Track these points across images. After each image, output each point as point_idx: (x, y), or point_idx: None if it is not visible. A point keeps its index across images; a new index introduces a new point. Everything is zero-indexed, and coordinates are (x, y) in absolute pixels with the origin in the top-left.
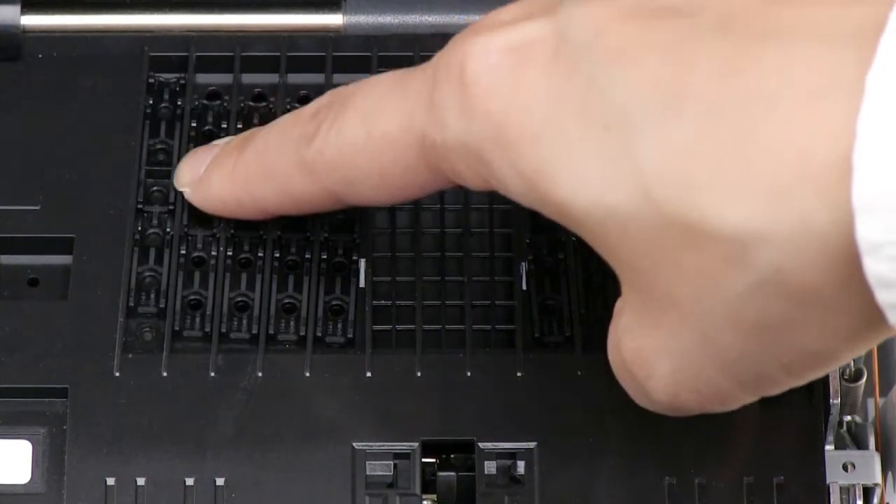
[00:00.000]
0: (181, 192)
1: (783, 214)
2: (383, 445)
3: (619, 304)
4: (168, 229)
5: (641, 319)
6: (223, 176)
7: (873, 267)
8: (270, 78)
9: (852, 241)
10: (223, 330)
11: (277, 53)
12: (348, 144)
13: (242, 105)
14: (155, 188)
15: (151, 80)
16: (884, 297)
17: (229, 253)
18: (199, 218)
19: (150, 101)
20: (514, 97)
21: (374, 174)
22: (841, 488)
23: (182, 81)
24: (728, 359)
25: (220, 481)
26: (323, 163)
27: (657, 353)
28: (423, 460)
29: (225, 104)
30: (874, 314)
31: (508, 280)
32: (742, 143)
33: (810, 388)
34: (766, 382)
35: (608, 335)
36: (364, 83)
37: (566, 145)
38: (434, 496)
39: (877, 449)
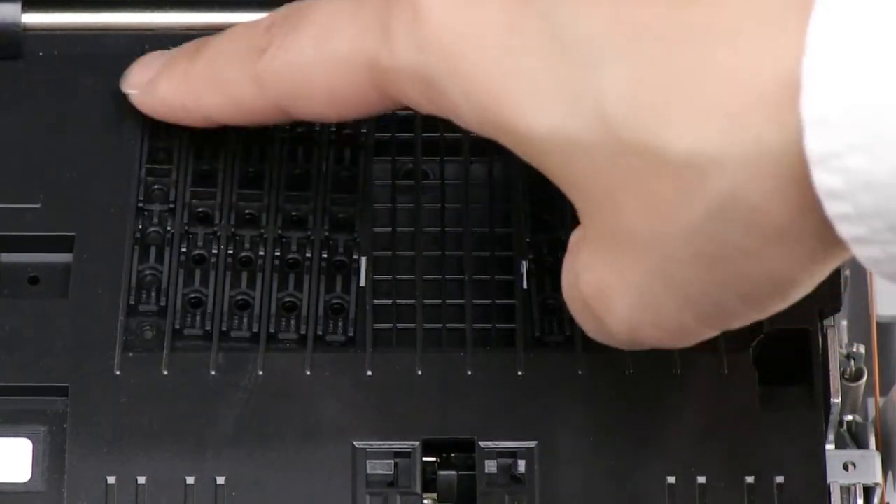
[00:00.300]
0: (181, 192)
1: (736, 138)
2: (384, 444)
3: (575, 236)
4: (168, 227)
5: (600, 254)
6: (171, 80)
7: (823, 179)
8: None
9: (803, 158)
10: (224, 328)
11: None
12: (298, 60)
13: None
14: (155, 186)
15: None
16: (834, 209)
17: (230, 251)
18: (200, 216)
19: None
20: (469, 29)
21: (323, 91)
22: (841, 488)
23: None
24: (688, 292)
25: (220, 480)
26: (272, 75)
27: (616, 288)
28: (424, 459)
29: None
30: (829, 236)
31: (509, 279)
32: (696, 71)
33: (811, 387)
34: (726, 315)
35: (563, 271)
36: (320, 0)
37: (524, 76)
38: (434, 495)
39: (877, 448)
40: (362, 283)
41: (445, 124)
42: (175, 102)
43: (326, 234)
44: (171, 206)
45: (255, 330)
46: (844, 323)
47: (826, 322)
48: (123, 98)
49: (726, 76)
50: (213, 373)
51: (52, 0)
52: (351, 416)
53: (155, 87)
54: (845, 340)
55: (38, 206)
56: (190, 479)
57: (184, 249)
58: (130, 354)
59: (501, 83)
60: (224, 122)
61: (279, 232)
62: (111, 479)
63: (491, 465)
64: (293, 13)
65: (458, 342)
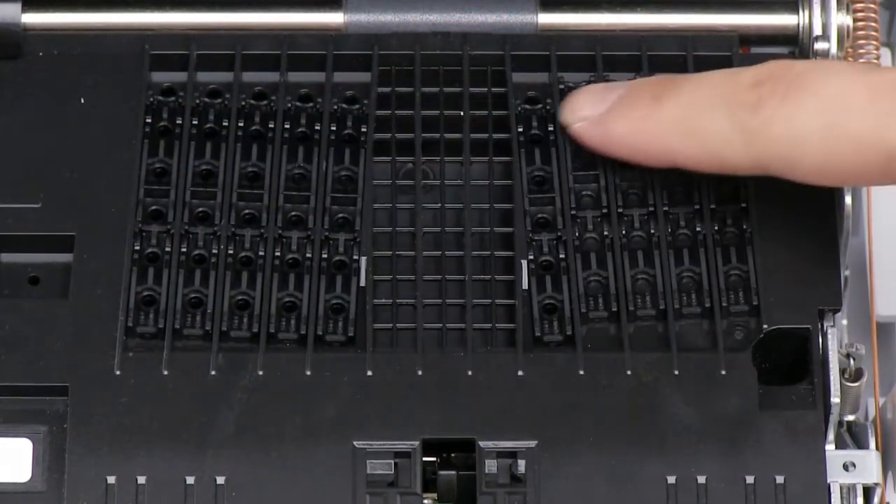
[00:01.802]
0: (181, 191)
1: None
2: (384, 444)
3: None
4: (169, 227)
5: None
6: (634, 121)
7: None
8: (271, 76)
9: None
10: (224, 328)
11: (278, 52)
12: (801, 129)
13: (243, 103)
14: (156, 186)
15: (152, 79)
16: None
17: (230, 251)
18: (200, 216)
19: (151, 100)
20: None
21: (816, 161)
22: (841, 487)
23: (183, 80)
24: None
25: (220, 480)
26: (766, 137)
27: None
28: (424, 459)
29: (226, 102)
30: None
31: (509, 279)
32: None
33: (811, 387)
34: None
35: None
36: (820, 67)
37: None
38: (435, 495)
39: (877, 448)
40: (362, 283)
41: (445, 124)
42: (635, 143)
43: (326, 233)
44: (172, 206)
45: (255, 330)
46: (844, 322)
47: (826, 322)
48: (123, 98)
49: None
50: (213, 373)
51: (53, 0)
52: (351, 416)
53: (609, 124)
54: (845, 340)
55: (38, 205)
56: (190, 479)
57: (184, 249)
58: (130, 354)
59: None
60: (691, 168)
61: (279, 232)
62: (111, 479)
63: (491, 465)
64: (786, 73)
65: (459, 342)
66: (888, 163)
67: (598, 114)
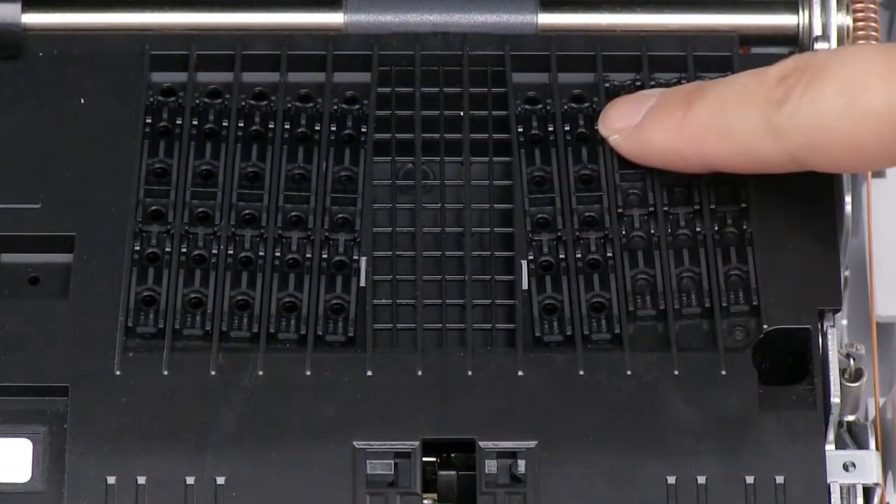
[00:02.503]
0: (181, 191)
1: None
2: (384, 444)
3: None
4: (169, 227)
5: None
6: (667, 128)
7: None
8: (271, 76)
9: None
10: (224, 328)
11: (278, 52)
12: (824, 113)
13: (243, 103)
14: (156, 186)
15: (152, 79)
16: None
17: (230, 251)
18: (200, 216)
19: (151, 100)
20: None
21: (848, 145)
22: (841, 488)
23: (183, 80)
24: None
25: (220, 480)
26: (793, 128)
27: None
28: (424, 459)
29: (226, 102)
30: None
31: (509, 279)
32: None
33: (811, 387)
34: None
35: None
36: (840, 52)
37: None
38: (435, 495)
39: (877, 448)
40: (362, 283)
41: (445, 124)
42: (670, 149)
43: (326, 234)
44: (172, 206)
45: (255, 330)
46: (844, 323)
47: (826, 322)
48: (123, 98)
49: None
50: (213, 373)
51: (53, 0)
52: (351, 417)
53: (645, 133)
54: (845, 340)
55: (38, 206)
56: (190, 480)
57: (184, 249)
58: (130, 354)
59: None
60: (729, 170)
61: (279, 232)
62: (111, 480)
63: (491, 465)
64: (808, 64)
65: (459, 342)
66: None
67: (632, 125)
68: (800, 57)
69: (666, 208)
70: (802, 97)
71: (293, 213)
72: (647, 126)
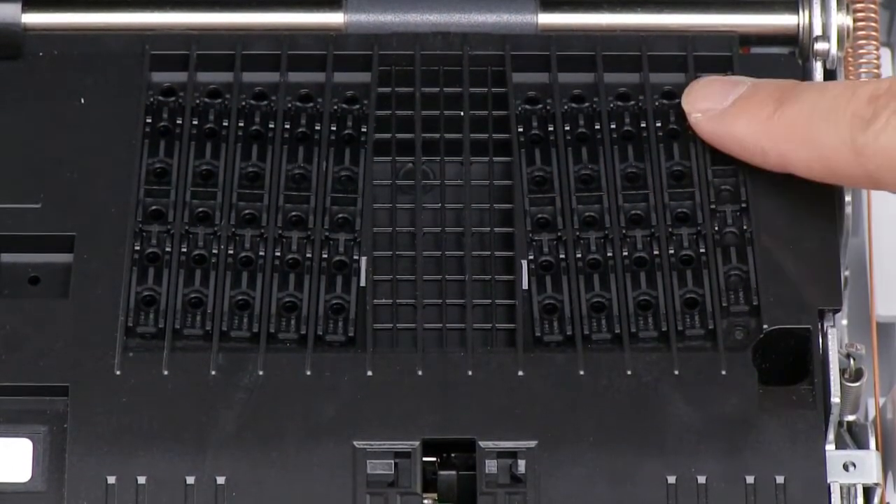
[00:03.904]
0: (181, 191)
1: None
2: (384, 444)
3: None
4: (169, 227)
5: None
6: (753, 122)
7: None
8: (271, 76)
9: None
10: (224, 328)
11: (278, 52)
12: None
13: (243, 103)
14: (156, 186)
15: (152, 79)
16: None
17: (230, 251)
18: (201, 216)
19: (151, 100)
20: None
21: None
22: (841, 488)
23: (183, 80)
24: None
25: (220, 480)
26: (876, 149)
27: None
28: (424, 459)
29: (226, 102)
30: None
31: (509, 279)
32: None
33: (811, 387)
34: None
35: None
36: None
37: None
38: (435, 495)
39: (877, 448)
40: (362, 283)
41: (445, 124)
42: (751, 142)
43: (327, 234)
44: (172, 206)
45: (255, 330)
46: (844, 323)
47: (826, 322)
48: (124, 98)
49: None
50: (213, 373)
51: (53, 0)
52: (351, 416)
53: (730, 121)
54: (845, 340)
55: (38, 206)
56: (190, 480)
57: (184, 249)
58: (131, 354)
59: None
60: (804, 175)
61: (279, 232)
62: (111, 479)
63: (491, 465)
64: None
65: (459, 342)
66: None
67: (718, 108)
68: (894, 78)
69: (666, 208)
70: (890, 119)
71: (293, 213)
72: (734, 114)
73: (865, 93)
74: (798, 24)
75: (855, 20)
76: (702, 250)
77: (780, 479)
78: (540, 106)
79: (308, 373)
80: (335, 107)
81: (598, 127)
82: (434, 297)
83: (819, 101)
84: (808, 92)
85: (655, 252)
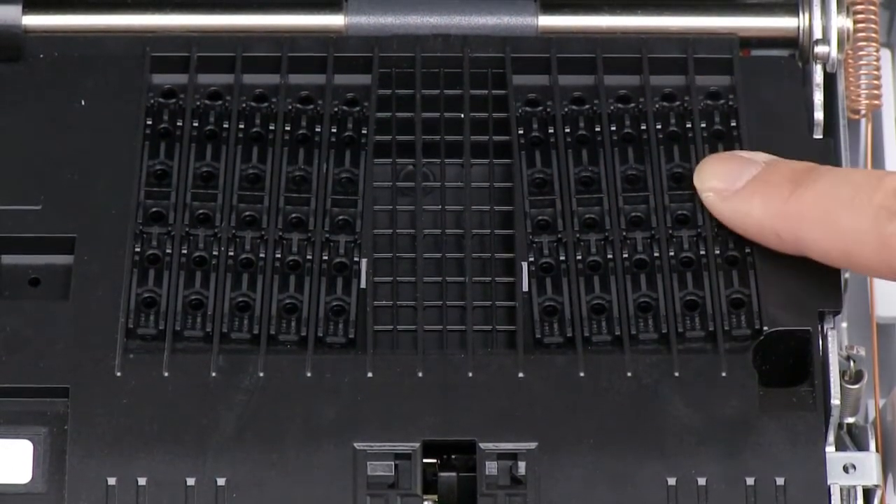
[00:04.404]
0: (181, 193)
1: None
2: (384, 446)
3: None
4: (169, 229)
5: None
6: (771, 204)
7: None
8: (272, 78)
9: None
10: (224, 330)
11: (279, 54)
12: None
13: (244, 105)
14: (156, 188)
15: (153, 81)
16: None
17: (230, 253)
18: (201, 218)
19: (152, 102)
20: None
21: None
22: (841, 489)
23: (183, 82)
24: None
25: (221, 481)
26: None
27: None
28: (425, 461)
29: (226, 104)
30: None
31: (509, 281)
32: None
33: (811, 389)
34: None
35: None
36: None
37: None
38: (435, 497)
39: (877, 450)
40: (363, 284)
41: (446, 126)
42: (767, 226)
43: (327, 235)
44: (172, 207)
45: (255, 332)
46: (844, 325)
47: (826, 324)
48: (124, 99)
49: None
50: (213, 374)
51: (53, 2)
52: (351, 418)
53: (745, 202)
54: (845, 342)
55: (38, 207)
56: (190, 481)
57: (184, 251)
58: (131, 356)
59: None
60: (821, 261)
61: (280, 234)
62: (112, 481)
63: (491, 467)
64: None
65: (459, 344)
66: None
67: (731, 189)
68: None
69: (666, 208)
70: None
71: (294, 215)
72: (748, 196)
73: (891, 184)
74: (798, 27)
75: (855, 22)
76: (702, 252)
77: (780, 481)
78: (540, 108)
79: (308, 374)
80: (335, 109)
81: (598, 129)
82: (434, 299)
83: (840, 188)
84: (828, 177)
85: (655, 254)
